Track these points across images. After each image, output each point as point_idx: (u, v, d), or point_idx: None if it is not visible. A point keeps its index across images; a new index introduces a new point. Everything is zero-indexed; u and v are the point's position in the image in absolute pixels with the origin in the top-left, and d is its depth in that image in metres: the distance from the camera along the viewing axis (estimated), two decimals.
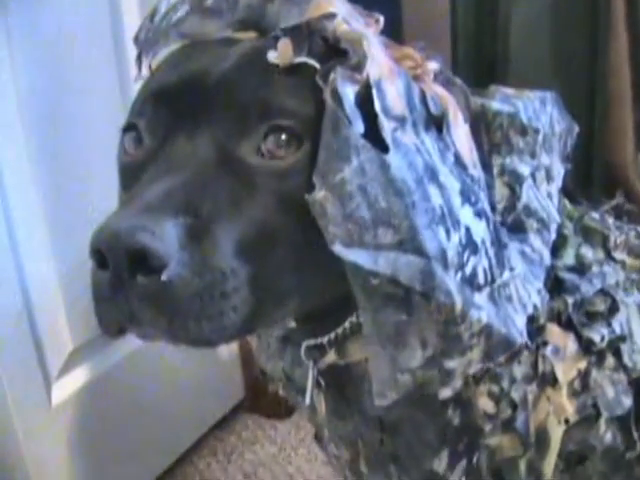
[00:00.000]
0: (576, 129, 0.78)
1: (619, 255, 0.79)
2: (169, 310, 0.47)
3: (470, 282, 0.51)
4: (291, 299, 0.55)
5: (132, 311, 0.48)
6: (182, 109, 0.52)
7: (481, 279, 0.52)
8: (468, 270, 0.51)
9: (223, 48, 0.55)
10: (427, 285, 0.49)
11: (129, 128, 0.55)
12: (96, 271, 0.48)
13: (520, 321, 0.57)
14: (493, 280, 0.54)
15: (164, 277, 0.45)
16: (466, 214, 0.52)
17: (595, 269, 0.75)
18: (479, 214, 0.54)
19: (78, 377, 1.06)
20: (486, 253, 0.53)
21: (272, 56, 0.50)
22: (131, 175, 0.53)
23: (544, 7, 1.26)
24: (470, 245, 0.52)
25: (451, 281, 0.49)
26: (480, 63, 1.29)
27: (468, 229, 0.52)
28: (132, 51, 0.62)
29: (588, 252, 0.76)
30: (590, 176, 1.33)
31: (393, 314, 0.50)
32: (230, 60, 0.53)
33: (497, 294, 0.55)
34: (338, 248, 0.48)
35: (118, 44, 1.02)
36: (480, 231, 0.53)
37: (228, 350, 1.38)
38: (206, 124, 0.51)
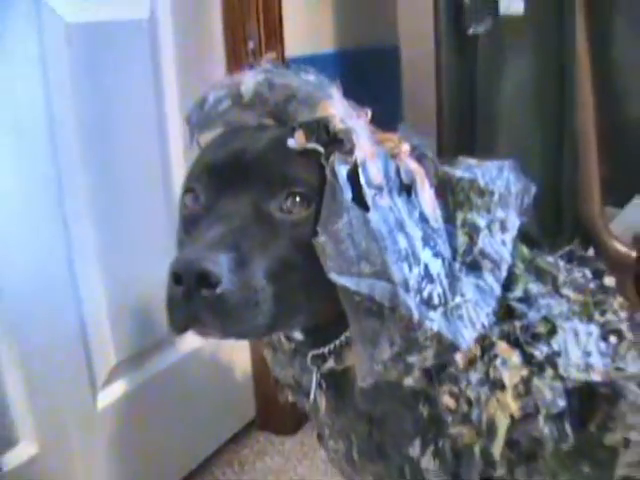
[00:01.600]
0: (533, 189, 0.99)
1: (565, 291, 0.99)
2: (221, 313, 0.68)
3: (426, 303, 0.72)
4: (301, 311, 0.76)
5: (196, 314, 0.68)
6: (228, 178, 0.74)
7: (436, 301, 0.73)
8: (425, 294, 0.72)
9: (256, 133, 0.77)
10: (394, 302, 0.70)
11: (189, 190, 0.77)
12: (172, 286, 0.69)
13: (468, 335, 0.77)
14: (446, 302, 0.75)
15: (219, 291, 0.66)
16: (426, 254, 0.73)
17: (542, 301, 0.94)
18: (436, 255, 0.75)
19: (119, 387, 1.24)
20: (440, 283, 0.74)
21: (291, 142, 0.72)
22: (191, 223, 0.75)
23: (521, 84, 1.47)
24: (427, 276, 0.73)
25: (411, 301, 0.70)
26: (464, 130, 1.51)
27: (427, 265, 0.73)
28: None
29: (534, 287, 0.95)
30: (560, 226, 1.53)
31: (371, 322, 0.71)
32: (261, 143, 0.75)
33: (450, 313, 0.75)
34: (333, 276, 0.69)
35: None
36: (437, 267, 0.74)
37: (243, 375, 1.57)
38: (245, 189, 0.73)
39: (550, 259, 1.04)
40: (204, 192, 0.75)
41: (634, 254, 1.60)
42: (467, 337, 0.76)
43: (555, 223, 1.55)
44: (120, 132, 1.17)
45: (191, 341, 1.37)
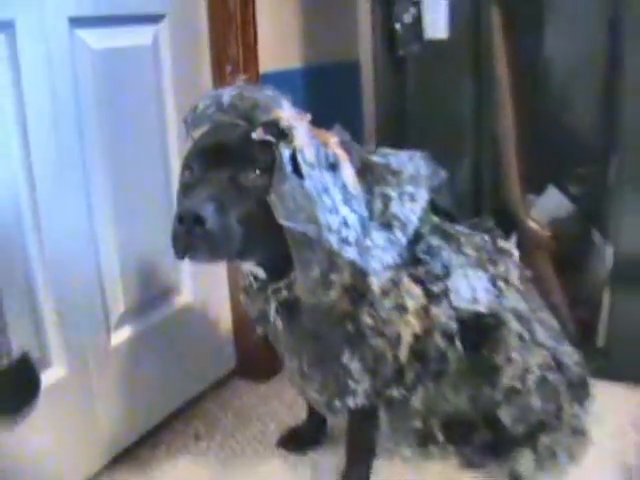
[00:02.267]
0: (442, 173, 1.34)
1: (465, 249, 1.34)
2: (208, 243, 1.03)
3: (344, 241, 1.08)
4: (261, 245, 1.11)
5: (192, 244, 1.04)
6: (213, 158, 1.10)
7: (351, 241, 1.09)
8: (343, 235, 1.08)
9: (231, 129, 1.12)
10: (320, 238, 1.06)
11: (186, 167, 1.13)
12: (177, 226, 1.04)
13: (376, 266, 1.12)
14: (359, 243, 1.10)
15: (207, 227, 1.02)
16: (344, 210, 1.09)
17: (443, 253, 1.29)
18: (353, 211, 1.11)
19: (128, 330, 1.58)
20: (355, 230, 1.10)
21: (254, 135, 1.08)
22: (187, 188, 1.11)
23: (446, 96, 1.81)
24: (345, 224, 1.08)
25: (333, 238, 1.06)
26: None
27: (345, 217, 1.09)
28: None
29: (437, 244, 1.30)
30: (480, 206, 1.88)
31: (306, 252, 1.07)
32: (235, 136, 1.11)
33: (362, 251, 1.11)
34: (282, 221, 1.05)
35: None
36: (352, 219, 1.10)
37: (226, 331, 1.90)
38: (225, 166, 1.09)
39: (457, 227, 1.39)
40: (197, 168, 1.11)
41: (548, 233, 1.95)
42: (374, 266, 1.12)
43: (476, 207, 1.89)
44: (132, 132, 1.51)
45: (185, 297, 1.72)
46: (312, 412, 1.55)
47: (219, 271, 1.79)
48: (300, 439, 1.59)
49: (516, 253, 1.43)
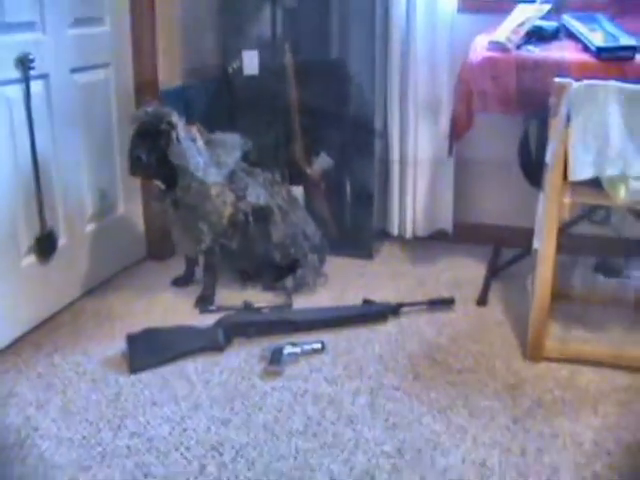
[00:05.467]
0: (249, 143, 2.98)
1: (258, 179, 2.99)
2: (143, 168, 2.64)
3: (198, 169, 2.67)
4: (164, 171, 2.70)
5: (136, 168, 2.63)
6: (144, 135, 2.67)
7: (200, 169, 2.68)
8: (198, 167, 2.67)
9: (151, 123, 2.68)
10: (197, 169, 2.66)
11: (132, 137, 2.70)
12: (131, 160, 2.62)
13: (212, 180, 2.73)
14: (204, 171, 2.70)
15: (143, 161, 2.60)
16: (198, 157, 2.69)
17: (246, 180, 2.93)
18: (202, 158, 2.70)
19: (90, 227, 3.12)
20: (203, 165, 2.69)
21: (162, 126, 2.66)
22: (133, 146, 2.69)
23: (262, 111, 3.43)
24: (198, 163, 2.68)
25: (193, 168, 2.65)
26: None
27: (199, 160, 2.68)
28: None
29: (242, 175, 2.93)
30: (279, 164, 3.48)
31: (183, 175, 2.66)
32: (153, 126, 2.67)
33: (205, 174, 2.71)
34: (173, 159, 2.64)
35: None
36: (201, 161, 2.70)
37: (140, 230, 3.44)
38: (149, 141, 2.65)
39: (256, 169, 3.02)
40: (133, 143, 2.67)
41: (320, 177, 3.59)
42: (211, 180, 2.72)
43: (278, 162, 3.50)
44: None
45: (120, 210, 3.25)
46: (188, 265, 3.13)
47: (136, 193, 3.31)
48: (182, 281, 3.17)
49: (285, 185, 3.08)
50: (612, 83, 2.16)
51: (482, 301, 2.95)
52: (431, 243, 3.55)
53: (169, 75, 3.26)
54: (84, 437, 2.06)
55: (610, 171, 2.16)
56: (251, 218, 2.89)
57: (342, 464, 1.93)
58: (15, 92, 2.55)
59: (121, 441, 2.04)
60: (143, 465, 1.93)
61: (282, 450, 2.00)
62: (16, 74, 2.54)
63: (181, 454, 1.98)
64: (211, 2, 3.48)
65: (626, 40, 2.55)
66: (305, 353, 2.50)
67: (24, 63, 2.55)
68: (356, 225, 3.48)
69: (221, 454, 1.98)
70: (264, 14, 3.40)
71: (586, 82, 2.19)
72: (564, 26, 2.81)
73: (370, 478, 1.89)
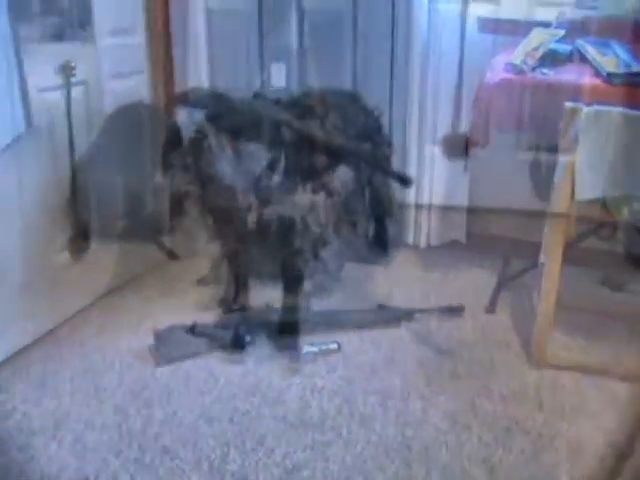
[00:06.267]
0: (273, 153, 3.13)
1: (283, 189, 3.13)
2: None
3: (231, 178, 2.83)
4: None
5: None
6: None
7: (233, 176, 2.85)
8: (229, 174, 2.83)
9: None
10: (226, 176, 2.81)
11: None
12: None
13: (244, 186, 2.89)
14: (233, 179, 2.86)
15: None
16: (221, 164, 2.85)
17: (272, 188, 3.07)
18: (229, 165, 2.86)
19: None
20: (232, 172, 2.85)
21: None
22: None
23: None
24: (233, 171, 2.84)
25: (227, 177, 2.81)
26: None
27: (230, 167, 2.84)
28: None
29: (269, 186, 3.08)
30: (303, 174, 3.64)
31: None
32: None
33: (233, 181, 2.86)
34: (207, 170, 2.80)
35: None
36: (229, 170, 2.85)
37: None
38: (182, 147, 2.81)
39: (281, 179, 3.16)
40: (165, 149, 2.82)
41: (340, 188, 3.74)
42: (239, 186, 2.88)
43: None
44: None
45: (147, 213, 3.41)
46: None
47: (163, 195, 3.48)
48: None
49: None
50: (618, 109, 2.29)
51: (491, 310, 3.09)
52: (444, 252, 3.69)
53: (199, 84, 3.42)
54: (115, 423, 2.21)
55: (614, 192, 2.30)
56: (274, 224, 3.03)
57: (355, 457, 2.08)
58: (57, 97, 2.72)
59: (150, 428, 2.20)
60: (170, 450, 2.08)
61: (299, 441, 2.14)
62: (58, 81, 2.71)
63: (206, 442, 2.13)
64: (240, 19, 3.65)
65: (637, 67, 2.68)
66: (322, 352, 2.64)
67: (66, 70, 2.72)
68: (373, 234, 3.64)
69: (243, 442, 2.13)
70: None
71: (595, 107, 2.33)
72: (578, 50, 2.94)
73: (381, 470, 2.03)
